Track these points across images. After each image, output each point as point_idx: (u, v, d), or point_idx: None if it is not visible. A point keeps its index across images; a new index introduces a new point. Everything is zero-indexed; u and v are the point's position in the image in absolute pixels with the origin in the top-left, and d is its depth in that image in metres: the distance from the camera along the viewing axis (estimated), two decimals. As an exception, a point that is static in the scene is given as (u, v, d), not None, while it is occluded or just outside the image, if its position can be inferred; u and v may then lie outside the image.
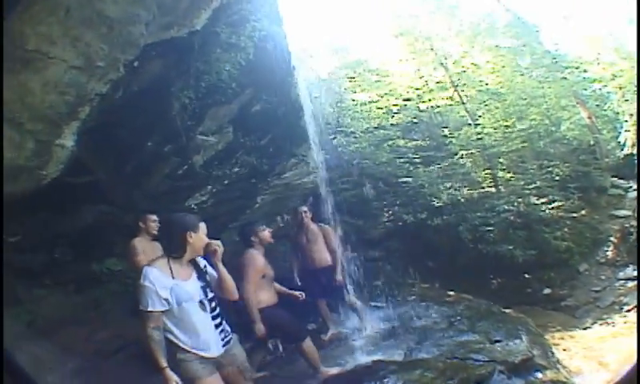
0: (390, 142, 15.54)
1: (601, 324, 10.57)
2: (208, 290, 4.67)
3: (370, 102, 16.22)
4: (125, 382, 4.48)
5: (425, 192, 14.23)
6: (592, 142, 16.22)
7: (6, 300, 4.34)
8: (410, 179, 14.49)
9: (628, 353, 8.17)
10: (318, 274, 8.28)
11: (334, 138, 14.86)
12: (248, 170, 9.37)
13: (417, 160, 15.01)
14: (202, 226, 4.73)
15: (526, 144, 14.83)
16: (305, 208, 8.85)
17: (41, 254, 6.91)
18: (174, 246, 4.54)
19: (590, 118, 16.53)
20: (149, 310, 4.27)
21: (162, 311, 4.35)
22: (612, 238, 13.48)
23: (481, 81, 16.04)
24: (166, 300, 4.38)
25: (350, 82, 16.70)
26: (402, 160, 14.97)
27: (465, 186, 14.63)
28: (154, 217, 7.27)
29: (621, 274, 12.33)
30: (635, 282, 11.72)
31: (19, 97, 4.69)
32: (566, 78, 16.10)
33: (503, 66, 16.14)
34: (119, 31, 5.38)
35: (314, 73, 16.40)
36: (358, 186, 14.16)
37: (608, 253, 13.18)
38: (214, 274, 4.82)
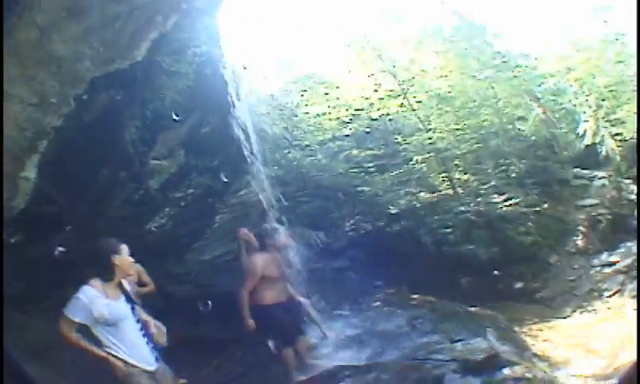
0: (346, 153, 16.23)
1: (581, 312, 11.00)
2: (135, 310, 5.35)
3: (322, 114, 16.86)
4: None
5: (381, 200, 14.85)
6: (549, 137, 16.55)
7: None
8: (366, 188, 15.06)
9: (617, 338, 8.70)
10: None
11: (289, 152, 15.36)
12: (203, 190, 9.84)
13: (372, 169, 15.54)
14: (124, 247, 5.33)
15: (480, 144, 15.37)
16: (245, 230, 9.09)
17: (18, 281, 7.32)
18: (103, 270, 5.14)
19: (544, 113, 16.71)
20: (68, 315, 4.88)
21: (76, 322, 4.92)
22: (580, 228, 13.71)
23: (430, 86, 16.44)
24: (98, 318, 4.93)
25: (302, 95, 17.22)
26: (357, 170, 15.66)
27: (421, 191, 15.26)
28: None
29: (595, 261, 12.65)
30: (612, 268, 12.10)
31: None
32: (516, 77, 16.35)
33: (451, 71, 16.51)
34: (67, 68, 6.09)
35: (265, 89, 16.88)
36: (317, 198, 14.74)
37: (578, 242, 13.41)
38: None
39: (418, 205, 14.90)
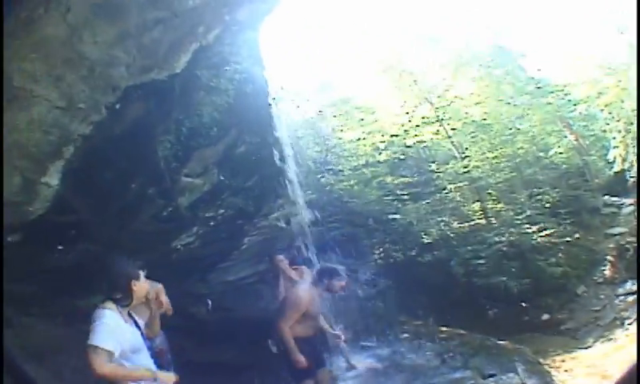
0: (379, 179, 15.68)
1: (603, 341, 10.75)
2: (144, 336, 4.88)
3: (357, 140, 16.43)
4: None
5: (414, 229, 14.39)
6: (580, 165, 16.41)
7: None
8: (398, 216, 14.61)
9: (629, 362, 8.52)
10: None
11: (322, 177, 15.01)
12: (234, 211, 9.41)
13: (405, 196, 15.15)
14: (142, 274, 4.90)
15: (514, 173, 15.10)
16: (281, 256, 9.18)
17: (28, 284, 7.01)
18: (121, 295, 4.66)
19: (577, 139, 16.78)
20: (101, 345, 4.22)
21: (111, 351, 4.28)
22: (608, 257, 13.68)
23: (466, 113, 16.17)
24: (124, 344, 4.44)
25: (337, 120, 16.73)
26: (390, 197, 15.06)
27: (454, 220, 14.85)
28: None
29: (620, 290, 12.49)
30: (635, 296, 11.78)
31: (6, 132, 4.81)
32: (550, 103, 16.31)
33: (487, 97, 16.30)
34: (99, 73, 5.57)
35: (300, 112, 16.51)
36: (347, 224, 14.21)
37: (605, 272, 13.38)
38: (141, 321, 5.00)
39: (452, 234, 14.45)
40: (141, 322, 4.96)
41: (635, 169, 14.90)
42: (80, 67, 5.37)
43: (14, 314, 6.23)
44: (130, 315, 4.78)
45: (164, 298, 6.48)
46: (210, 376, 8.54)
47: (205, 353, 9.05)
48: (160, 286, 6.44)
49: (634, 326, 10.72)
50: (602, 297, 12.64)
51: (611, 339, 10.66)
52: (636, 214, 13.67)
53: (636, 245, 13.07)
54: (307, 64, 19.25)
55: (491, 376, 8.15)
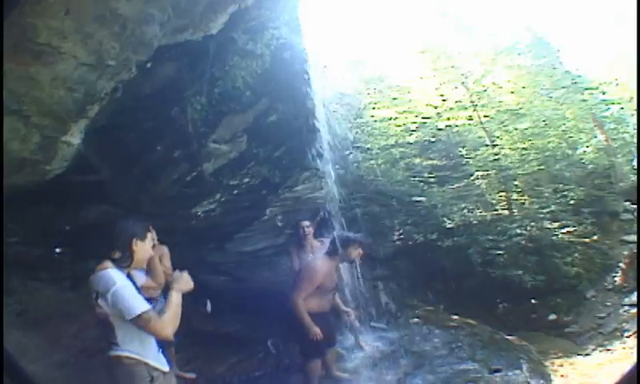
0: (407, 160, 15.14)
1: (601, 351, 10.46)
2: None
3: (388, 119, 15.83)
4: (106, 379, 4.48)
5: (437, 212, 13.97)
6: (607, 166, 15.89)
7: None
8: (423, 199, 14.18)
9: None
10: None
11: (351, 153, 14.65)
12: (259, 181, 9.13)
13: (432, 180, 14.71)
14: (150, 235, 4.62)
15: (542, 167, 14.63)
16: (307, 222, 9.04)
17: (38, 247, 6.86)
18: (121, 254, 4.31)
19: (607, 140, 16.32)
20: (144, 311, 3.93)
21: (150, 309, 4.03)
22: (621, 264, 13.27)
23: (500, 101, 15.78)
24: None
25: (370, 97, 16.38)
26: (416, 179, 14.67)
27: (478, 208, 14.45)
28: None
29: (626, 300, 12.14)
30: (637, 308, 11.59)
31: (27, 89, 4.57)
32: (585, 100, 15.83)
33: (523, 87, 15.87)
34: (132, 30, 5.24)
35: (334, 86, 16.07)
36: (371, 202, 13.94)
37: (616, 279, 12.97)
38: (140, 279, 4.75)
39: (474, 222, 14.08)
40: (140, 278, 4.77)
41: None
42: (112, 24, 5.05)
43: (20, 278, 6.08)
44: (128, 277, 4.32)
45: (168, 263, 6.19)
46: (212, 346, 8.69)
47: (211, 322, 8.82)
48: (165, 249, 6.38)
49: (632, 340, 10.46)
50: (609, 304, 12.28)
51: (609, 350, 10.42)
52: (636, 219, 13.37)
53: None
54: (346, 38, 18.93)
55: (497, 371, 7.98)
